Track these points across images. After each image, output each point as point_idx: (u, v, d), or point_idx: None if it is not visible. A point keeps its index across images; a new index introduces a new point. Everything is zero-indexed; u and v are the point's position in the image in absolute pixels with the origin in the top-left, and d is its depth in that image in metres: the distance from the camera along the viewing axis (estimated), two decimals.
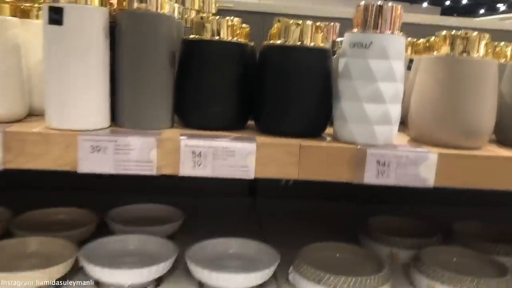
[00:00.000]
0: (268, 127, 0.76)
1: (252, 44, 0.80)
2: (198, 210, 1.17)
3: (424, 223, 1.11)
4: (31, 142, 0.65)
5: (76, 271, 0.82)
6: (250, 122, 0.83)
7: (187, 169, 0.68)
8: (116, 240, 0.88)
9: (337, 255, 0.92)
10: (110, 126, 0.73)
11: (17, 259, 0.82)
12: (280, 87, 0.74)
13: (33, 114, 0.78)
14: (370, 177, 0.70)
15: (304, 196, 1.33)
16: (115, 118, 0.74)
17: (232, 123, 0.78)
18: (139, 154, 0.67)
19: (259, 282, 0.80)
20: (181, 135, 0.69)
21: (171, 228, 0.99)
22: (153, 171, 0.67)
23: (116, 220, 0.98)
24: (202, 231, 0.93)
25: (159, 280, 0.83)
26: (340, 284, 0.78)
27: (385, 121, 0.71)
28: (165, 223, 0.99)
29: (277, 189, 1.33)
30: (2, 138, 0.64)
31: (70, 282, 0.81)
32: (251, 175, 0.69)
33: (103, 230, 0.96)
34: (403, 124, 0.83)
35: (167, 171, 0.68)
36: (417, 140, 0.79)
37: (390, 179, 0.71)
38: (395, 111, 0.72)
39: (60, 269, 0.77)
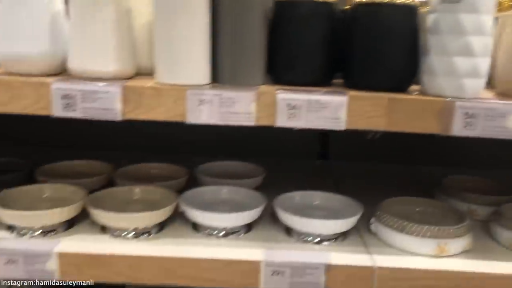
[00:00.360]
0: (356, 82, 0.80)
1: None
2: (275, 169, 1.23)
3: (501, 183, 1.11)
4: (146, 95, 0.73)
5: (174, 217, 0.91)
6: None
7: (282, 121, 0.74)
8: (210, 190, 0.97)
9: (417, 209, 0.95)
10: (210, 83, 0.80)
11: (124, 204, 0.92)
12: (369, 43, 0.77)
13: (139, 73, 0.87)
14: (458, 129, 0.73)
15: (376, 158, 1.36)
16: (214, 75, 0.80)
17: (320, 79, 0.83)
18: (240, 106, 0.73)
19: (344, 229, 0.86)
20: (276, 89, 0.75)
21: (255, 182, 1.06)
22: (252, 122, 0.74)
23: (204, 174, 1.07)
24: (282, 187, 0.99)
25: (249, 226, 0.91)
26: (423, 232, 0.82)
27: (474, 74, 0.73)
28: (248, 178, 1.07)
29: (348, 153, 1.37)
30: (121, 91, 0.73)
31: (171, 226, 0.91)
32: (342, 126, 0.74)
33: (192, 184, 1.04)
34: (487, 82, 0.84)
35: (264, 122, 0.74)
36: (504, 95, 0.81)
37: (477, 131, 0.73)
38: (484, 64, 0.74)
39: (163, 213, 0.87)
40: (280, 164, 1.29)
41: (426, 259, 0.82)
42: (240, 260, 0.80)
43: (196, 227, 0.90)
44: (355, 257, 0.82)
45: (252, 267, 0.80)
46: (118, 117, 0.74)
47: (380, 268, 0.79)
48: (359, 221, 0.88)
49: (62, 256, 0.79)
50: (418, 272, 0.79)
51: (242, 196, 0.96)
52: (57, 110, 0.73)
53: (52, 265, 0.79)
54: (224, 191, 0.97)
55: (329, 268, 0.79)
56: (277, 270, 0.80)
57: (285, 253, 0.81)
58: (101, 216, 0.84)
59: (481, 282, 0.79)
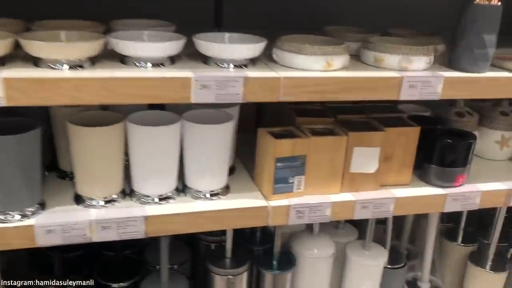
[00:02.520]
0: None
1: None
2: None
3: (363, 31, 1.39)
4: None
5: (101, 56, 1.00)
6: None
7: None
8: (132, 33, 1.07)
9: (307, 43, 1.16)
10: None
11: None
12: None
13: None
14: None
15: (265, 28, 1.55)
16: None
17: None
18: None
19: (254, 55, 1.04)
20: None
21: (169, 29, 1.18)
22: None
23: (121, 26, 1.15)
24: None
25: (172, 59, 1.04)
26: (315, 51, 1.04)
27: None
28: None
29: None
30: None
31: (100, 62, 1.00)
32: None
33: None
34: None
35: None
36: None
37: None
38: None
39: (95, 45, 0.95)
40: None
41: (318, 72, 1.05)
42: (174, 77, 0.94)
43: (124, 61, 1.01)
44: (265, 73, 1.02)
45: (185, 82, 0.95)
46: None
47: (285, 78, 1.00)
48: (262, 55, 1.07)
49: (7, 82, 0.85)
50: (313, 80, 1.03)
51: (162, 37, 1.07)
52: None
53: None
54: (145, 33, 1.08)
55: (246, 80, 0.98)
56: (204, 84, 0.96)
57: (210, 72, 0.98)
58: (34, 46, 0.90)
59: (353, 84, 1.06)
